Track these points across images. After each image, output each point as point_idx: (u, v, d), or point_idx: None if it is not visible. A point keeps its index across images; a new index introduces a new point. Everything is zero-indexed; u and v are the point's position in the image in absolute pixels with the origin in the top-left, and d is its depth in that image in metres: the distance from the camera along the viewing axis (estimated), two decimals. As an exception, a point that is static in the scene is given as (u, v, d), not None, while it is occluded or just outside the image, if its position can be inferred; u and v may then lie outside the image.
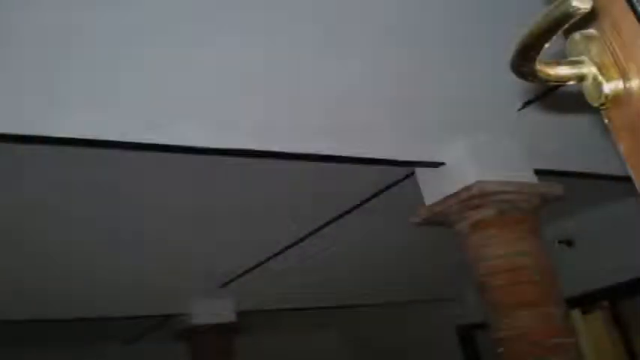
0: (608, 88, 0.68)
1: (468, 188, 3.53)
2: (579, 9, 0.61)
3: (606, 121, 0.71)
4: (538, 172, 3.83)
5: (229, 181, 3.98)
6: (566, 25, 0.64)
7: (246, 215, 4.60)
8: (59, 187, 3.67)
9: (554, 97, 3.41)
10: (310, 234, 5.21)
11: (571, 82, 0.72)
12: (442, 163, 3.72)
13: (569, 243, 6.70)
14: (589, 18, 0.68)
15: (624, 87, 0.66)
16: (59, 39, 2.16)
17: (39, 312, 5.95)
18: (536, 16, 0.65)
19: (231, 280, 6.13)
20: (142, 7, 2.12)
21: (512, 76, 0.73)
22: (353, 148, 3.33)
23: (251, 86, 2.68)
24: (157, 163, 3.51)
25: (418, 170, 3.91)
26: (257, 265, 5.78)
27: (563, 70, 0.71)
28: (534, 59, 0.69)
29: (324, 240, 5.33)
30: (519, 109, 3.46)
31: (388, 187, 4.46)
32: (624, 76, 0.66)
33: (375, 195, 4.60)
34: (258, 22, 2.31)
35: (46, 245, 4.49)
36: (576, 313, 6.57)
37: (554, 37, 0.66)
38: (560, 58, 0.71)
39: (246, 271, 5.90)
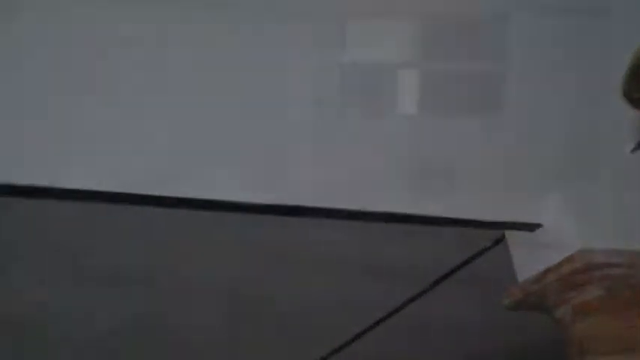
0: None
1: (570, 259, 3.37)
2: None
3: None
4: (655, 238, 3.64)
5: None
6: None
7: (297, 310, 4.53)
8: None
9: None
10: (373, 325, 5.07)
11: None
12: (538, 225, 3.59)
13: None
14: None
15: None
16: (61, 67, 2.23)
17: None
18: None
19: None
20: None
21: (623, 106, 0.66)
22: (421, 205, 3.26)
23: (297, 127, 2.68)
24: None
25: (509, 234, 3.78)
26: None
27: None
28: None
29: (390, 332, 5.18)
30: (632, 151, 3.32)
31: (472, 258, 4.33)
32: None
33: (457, 268, 4.47)
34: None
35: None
36: None
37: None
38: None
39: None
